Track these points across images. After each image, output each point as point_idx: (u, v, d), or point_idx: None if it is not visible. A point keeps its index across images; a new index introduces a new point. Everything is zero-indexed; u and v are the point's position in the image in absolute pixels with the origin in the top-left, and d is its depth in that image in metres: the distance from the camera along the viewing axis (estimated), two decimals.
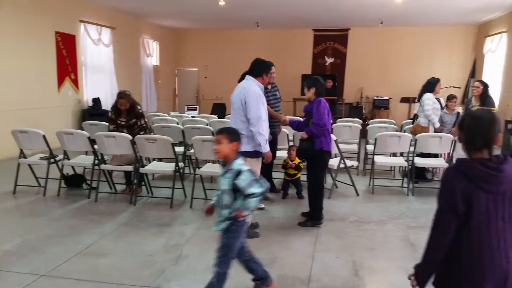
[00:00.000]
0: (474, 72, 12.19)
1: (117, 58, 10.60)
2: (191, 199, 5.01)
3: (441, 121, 6.23)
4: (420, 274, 1.89)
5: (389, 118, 9.92)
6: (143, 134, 5.22)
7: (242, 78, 4.42)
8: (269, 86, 5.19)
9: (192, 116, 8.75)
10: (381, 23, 11.58)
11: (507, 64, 10.14)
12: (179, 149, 6.12)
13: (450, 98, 6.43)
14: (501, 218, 1.75)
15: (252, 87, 3.85)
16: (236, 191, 2.55)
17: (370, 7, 9.67)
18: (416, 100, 6.76)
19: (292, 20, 11.75)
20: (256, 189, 2.50)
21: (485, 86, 6.23)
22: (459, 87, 11.86)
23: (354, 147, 6.96)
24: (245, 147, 3.81)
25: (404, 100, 12.14)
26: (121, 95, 5.14)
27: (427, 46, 12.45)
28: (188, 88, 14.41)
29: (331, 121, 4.61)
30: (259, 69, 3.98)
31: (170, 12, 10.96)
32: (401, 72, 12.49)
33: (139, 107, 5.31)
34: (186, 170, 6.30)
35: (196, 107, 11.15)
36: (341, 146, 5.54)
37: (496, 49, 10.57)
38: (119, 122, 5.24)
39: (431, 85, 6.21)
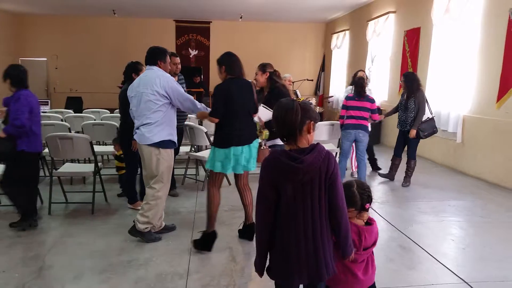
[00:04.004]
0: (324, 66, 13.53)
1: None
2: (49, 204, 4.49)
3: None
4: (256, 260, 1.97)
5: None
6: None
7: (128, 69, 4.33)
8: (176, 77, 4.82)
9: (43, 112, 7.85)
10: (241, 17, 11.98)
11: (350, 58, 11.50)
12: None
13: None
14: (309, 206, 1.82)
15: (166, 74, 3.58)
16: None
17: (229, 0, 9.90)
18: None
19: (151, 9, 11.34)
20: None
21: (408, 78, 5.68)
22: (312, 80, 13.03)
23: None
24: (159, 136, 3.52)
25: None
26: None
27: (284, 41, 13.34)
28: (35, 80, 12.75)
29: (40, 119, 4.07)
30: (152, 56, 3.63)
31: None
32: None
33: None
34: (41, 173, 5.64)
35: (47, 102, 10.03)
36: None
37: (341, 45, 11.89)
38: None
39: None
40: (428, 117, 5.61)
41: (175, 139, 3.70)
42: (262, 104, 3.89)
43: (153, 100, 3.49)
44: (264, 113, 3.82)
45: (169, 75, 3.64)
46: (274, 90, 3.99)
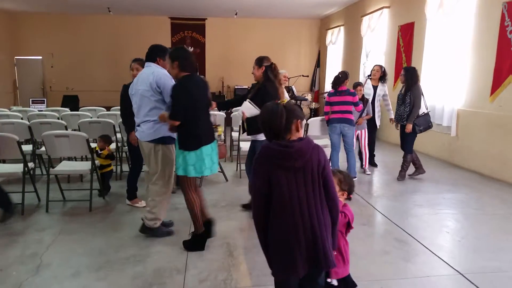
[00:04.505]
0: (319, 62, 13.54)
1: None
2: (47, 202, 4.49)
3: None
4: (264, 254, 2.02)
5: None
6: None
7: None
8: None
9: (40, 110, 7.85)
10: (236, 14, 11.96)
11: (345, 54, 11.52)
12: (27, 147, 5.43)
13: (355, 86, 6.02)
14: (303, 191, 1.87)
15: (162, 70, 3.58)
16: None
17: None
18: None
19: (146, 6, 11.30)
20: None
21: (408, 72, 5.61)
22: (307, 76, 13.04)
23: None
24: (159, 132, 3.55)
25: None
26: None
27: (279, 38, 13.32)
28: (31, 79, 12.76)
29: None
30: (152, 53, 3.66)
31: None
32: None
33: None
34: (38, 171, 5.68)
35: (44, 100, 10.03)
36: None
37: (336, 41, 11.90)
38: None
39: None
40: (423, 112, 5.63)
41: (175, 135, 3.71)
42: (248, 100, 3.92)
43: (149, 96, 3.51)
44: (248, 108, 3.85)
45: (166, 72, 3.63)
46: (261, 89, 3.96)
